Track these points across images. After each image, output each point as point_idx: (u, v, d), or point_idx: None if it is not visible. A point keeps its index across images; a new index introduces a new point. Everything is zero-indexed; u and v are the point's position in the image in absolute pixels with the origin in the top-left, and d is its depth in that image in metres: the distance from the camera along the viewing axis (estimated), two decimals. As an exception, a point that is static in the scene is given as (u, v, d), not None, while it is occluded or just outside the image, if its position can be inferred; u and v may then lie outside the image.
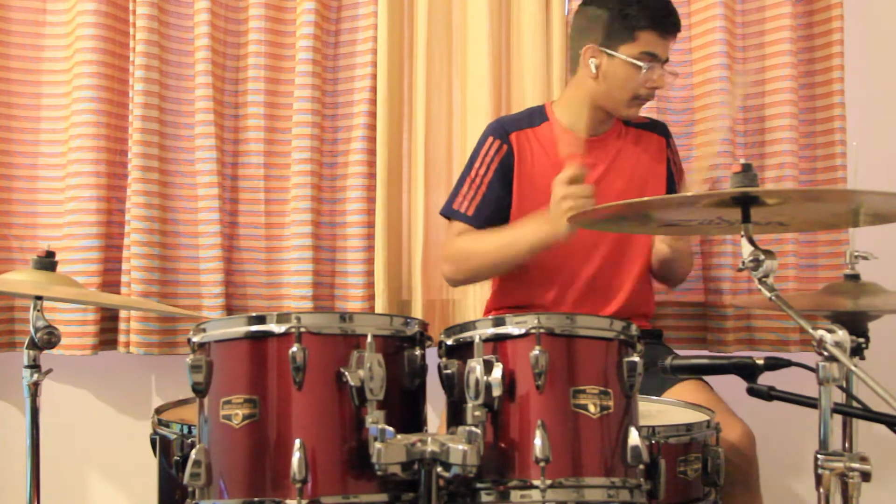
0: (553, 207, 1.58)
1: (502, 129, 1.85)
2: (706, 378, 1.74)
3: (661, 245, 1.78)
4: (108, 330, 2.10)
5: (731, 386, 1.41)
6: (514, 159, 1.82)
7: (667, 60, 1.80)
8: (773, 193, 1.19)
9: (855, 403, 1.29)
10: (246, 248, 2.16)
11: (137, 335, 2.05)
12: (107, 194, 2.10)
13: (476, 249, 1.77)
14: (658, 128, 1.94)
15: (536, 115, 1.89)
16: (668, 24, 1.77)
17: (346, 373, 1.10)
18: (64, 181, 2.11)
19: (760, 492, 1.64)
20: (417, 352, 1.19)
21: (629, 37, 1.75)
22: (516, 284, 1.86)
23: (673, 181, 1.91)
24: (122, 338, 2.08)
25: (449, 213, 1.84)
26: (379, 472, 1.07)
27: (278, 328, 1.11)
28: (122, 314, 2.08)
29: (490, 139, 1.84)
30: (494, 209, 1.81)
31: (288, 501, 1.07)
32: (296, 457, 1.06)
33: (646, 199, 1.23)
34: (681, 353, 1.82)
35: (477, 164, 1.83)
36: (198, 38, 2.11)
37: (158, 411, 1.52)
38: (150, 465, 1.47)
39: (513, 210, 1.82)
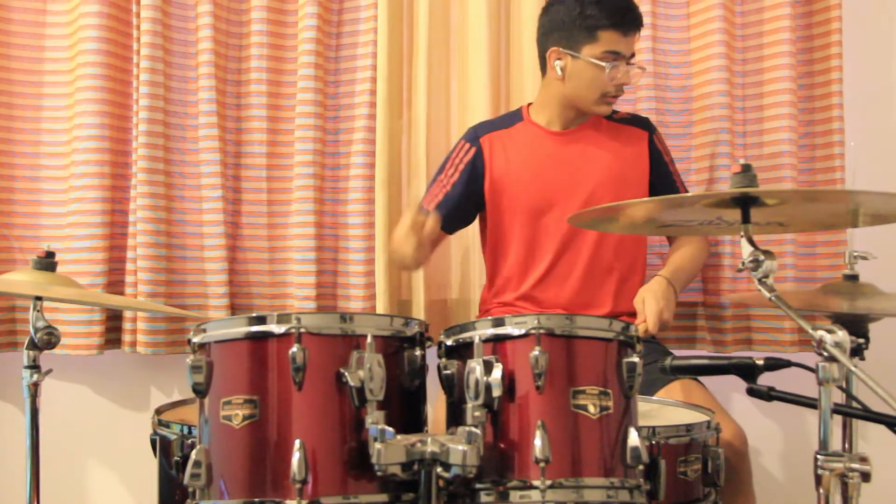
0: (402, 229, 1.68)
1: (474, 133, 1.94)
2: (701, 378, 1.74)
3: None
4: (112, 329, 2.11)
5: (730, 386, 1.41)
6: (485, 160, 1.89)
7: (632, 56, 1.82)
8: (772, 194, 1.19)
9: (855, 404, 1.29)
10: (249, 248, 2.17)
11: (145, 335, 2.05)
12: (110, 195, 2.11)
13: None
14: (640, 122, 1.94)
15: (513, 117, 1.95)
16: (628, 21, 1.78)
17: (346, 373, 1.10)
18: (67, 182, 2.12)
19: (753, 492, 1.65)
20: (417, 352, 1.19)
21: (590, 37, 1.77)
22: (504, 277, 1.90)
23: (661, 172, 1.91)
24: (126, 337, 2.09)
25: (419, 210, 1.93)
26: (379, 473, 1.07)
27: (278, 328, 1.11)
28: (127, 314, 2.09)
29: (461, 143, 1.93)
30: (453, 207, 1.89)
31: (288, 502, 1.07)
32: (296, 457, 1.07)
33: (644, 199, 1.23)
34: (680, 353, 1.84)
35: (448, 167, 1.92)
36: (200, 42, 2.11)
37: (159, 411, 1.53)
38: (150, 466, 1.47)
39: (488, 206, 1.89)
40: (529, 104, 1.96)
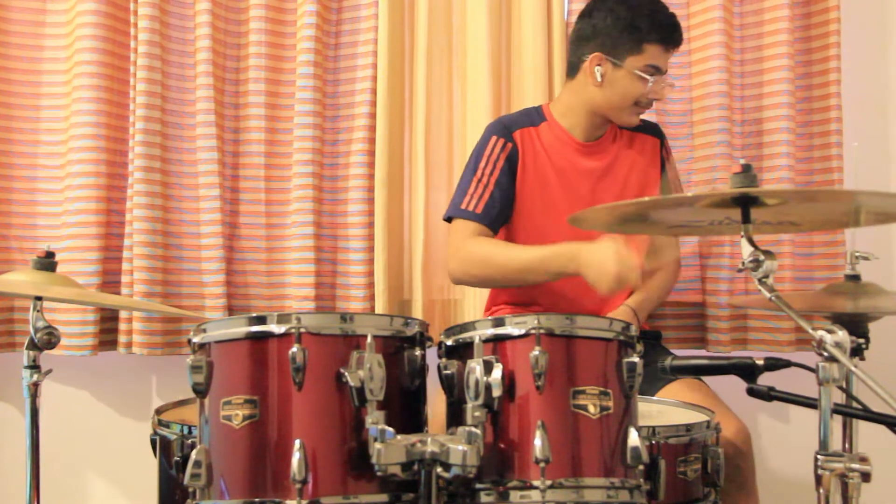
0: (599, 269, 1.55)
1: (505, 128, 1.84)
2: (702, 377, 1.74)
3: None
4: (108, 330, 2.10)
5: (730, 386, 1.41)
6: (519, 157, 1.82)
7: (665, 72, 1.81)
8: (772, 194, 1.19)
9: (855, 404, 1.29)
10: (247, 248, 2.17)
11: (140, 336, 2.05)
12: (106, 195, 2.10)
13: (495, 259, 1.74)
14: (652, 129, 1.95)
15: (535, 115, 1.89)
16: (674, 38, 1.79)
17: (346, 373, 1.10)
18: (64, 181, 2.12)
19: (756, 489, 1.65)
20: (417, 352, 1.19)
21: (637, 49, 1.76)
22: None
23: (667, 177, 1.91)
24: (122, 338, 2.08)
25: (456, 213, 1.81)
26: (379, 473, 1.07)
27: (278, 328, 1.11)
28: (123, 314, 2.08)
29: (494, 138, 1.83)
30: (501, 208, 1.80)
31: (288, 502, 1.07)
32: (296, 457, 1.07)
33: (645, 199, 1.23)
34: (680, 353, 1.84)
35: (482, 164, 1.82)
36: (199, 39, 2.11)
37: (159, 412, 1.53)
38: (150, 466, 1.47)
39: (515, 207, 1.83)
40: (548, 103, 1.93)
